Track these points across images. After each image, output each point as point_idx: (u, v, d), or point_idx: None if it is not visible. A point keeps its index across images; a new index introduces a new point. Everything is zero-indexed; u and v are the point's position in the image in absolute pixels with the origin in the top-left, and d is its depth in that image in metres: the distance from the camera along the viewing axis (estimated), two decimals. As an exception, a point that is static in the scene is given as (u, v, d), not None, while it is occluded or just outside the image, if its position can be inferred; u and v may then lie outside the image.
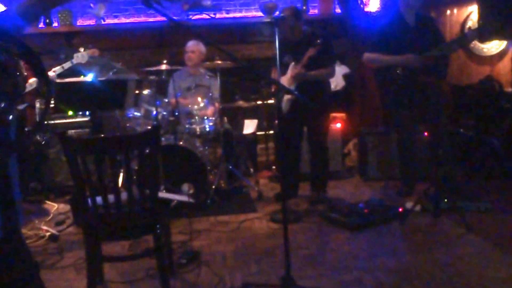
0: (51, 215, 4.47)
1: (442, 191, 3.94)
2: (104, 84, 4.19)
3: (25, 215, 4.38)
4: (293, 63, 4.29)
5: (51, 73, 4.10)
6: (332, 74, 4.49)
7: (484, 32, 4.36)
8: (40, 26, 5.86)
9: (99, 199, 2.57)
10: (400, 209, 4.02)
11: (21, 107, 1.99)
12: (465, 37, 4.15)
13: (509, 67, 4.21)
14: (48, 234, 3.89)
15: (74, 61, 4.30)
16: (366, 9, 6.05)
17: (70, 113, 5.10)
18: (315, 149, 4.54)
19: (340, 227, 3.86)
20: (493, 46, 6.01)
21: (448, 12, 6.07)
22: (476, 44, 5.94)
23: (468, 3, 5.97)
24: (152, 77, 4.70)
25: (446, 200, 4.00)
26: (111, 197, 2.56)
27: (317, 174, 4.61)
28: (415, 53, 4.22)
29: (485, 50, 6.04)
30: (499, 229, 3.67)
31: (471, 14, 5.94)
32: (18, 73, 1.84)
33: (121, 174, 4.15)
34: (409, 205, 4.10)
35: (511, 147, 4.74)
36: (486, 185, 4.72)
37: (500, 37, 4.31)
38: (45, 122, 5.04)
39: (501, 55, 6.05)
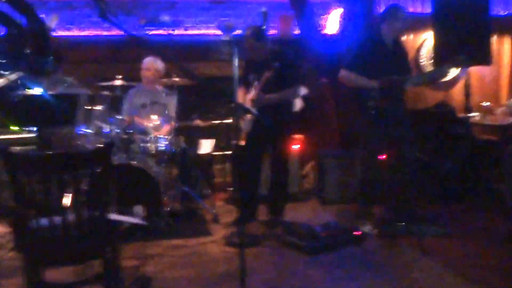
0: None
1: (399, 215, 3.96)
2: (53, 99, 3.98)
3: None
4: (256, 82, 4.23)
5: None
6: (294, 94, 4.42)
7: (439, 59, 4.47)
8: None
9: (44, 220, 2.41)
10: (358, 233, 4.01)
11: None
12: (440, 70, 4.23)
13: (462, 93, 4.32)
14: (-17, 260, 3.61)
15: (21, 73, 4.06)
16: (324, 31, 6.12)
17: (15, 128, 4.81)
18: (276, 171, 4.47)
19: (297, 251, 3.80)
20: (447, 73, 6.19)
21: (405, 37, 6.20)
22: (431, 71, 6.11)
23: (424, 30, 6.14)
24: (105, 93, 4.53)
25: (403, 224, 4.03)
26: (57, 219, 2.40)
27: (276, 196, 4.53)
28: (393, 75, 4.20)
29: (439, 76, 6.20)
30: (454, 253, 3.70)
31: (426, 41, 6.10)
32: None
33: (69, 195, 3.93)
34: (366, 228, 4.08)
35: (465, 172, 4.83)
36: (442, 209, 4.77)
37: (453, 64, 4.42)
38: None
39: (455, 81, 6.25)
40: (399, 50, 4.45)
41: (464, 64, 4.44)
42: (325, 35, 6.09)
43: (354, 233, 4.00)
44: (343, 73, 4.40)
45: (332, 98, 5.94)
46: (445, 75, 4.38)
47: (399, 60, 4.37)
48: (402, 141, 4.33)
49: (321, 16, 6.28)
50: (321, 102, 6.00)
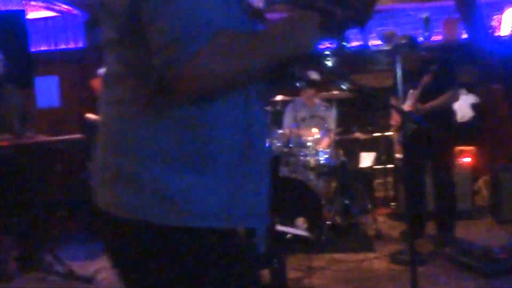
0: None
1: None
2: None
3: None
4: (411, 91, 4.06)
5: None
6: (454, 98, 4.16)
7: None
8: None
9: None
10: (544, 256, 3.53)
11: None
12: None
13: None
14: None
15: None
16: (497, 33, 5.61)
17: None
18: (440, 184, 4.19)
19: (471, 273, 3.47)
20: None
21: None
22: None
23: None
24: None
25: None
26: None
27: (442, 212, 4.23)
28: None
29: None
30: None
31: None
32: None
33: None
34: (555, 251, 3.57)
35: None
36: None
37: None
38: None
39: None
40: None
41: None
42: (498, 37, 5.58)
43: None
44: None
45: (508, 106, 5.40)
46: None
47: None
48: None
49: (493, 17, 5.77)
50: (494, 111, 5.50)
